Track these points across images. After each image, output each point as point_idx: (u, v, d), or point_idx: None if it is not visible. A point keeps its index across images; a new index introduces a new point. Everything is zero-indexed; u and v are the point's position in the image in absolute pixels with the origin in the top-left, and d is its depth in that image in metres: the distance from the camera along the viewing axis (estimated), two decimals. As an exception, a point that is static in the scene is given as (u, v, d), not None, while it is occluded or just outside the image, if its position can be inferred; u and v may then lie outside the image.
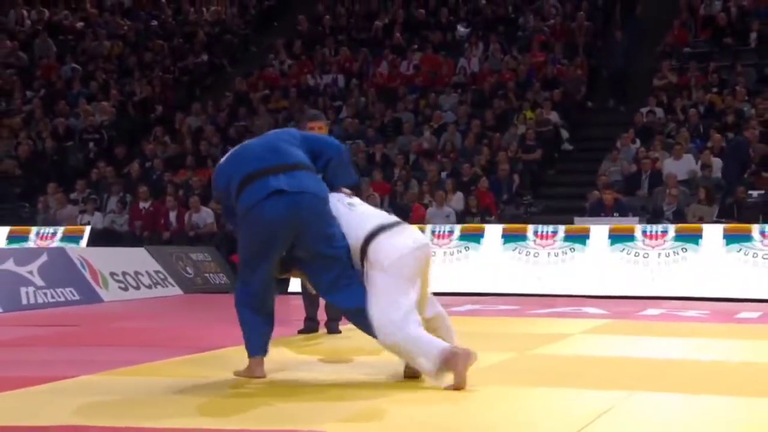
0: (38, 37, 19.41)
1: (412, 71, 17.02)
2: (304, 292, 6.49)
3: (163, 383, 4.57)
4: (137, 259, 11.36)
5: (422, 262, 4.40)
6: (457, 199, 13.16)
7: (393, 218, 4.57)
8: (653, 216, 11.97)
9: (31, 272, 9.31)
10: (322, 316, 6.80)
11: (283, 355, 5.53)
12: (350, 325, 4.83)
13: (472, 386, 4.25)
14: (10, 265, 9.19)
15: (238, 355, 4.82)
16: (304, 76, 17.48)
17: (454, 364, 4.17)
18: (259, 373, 4.56)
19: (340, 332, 6.70)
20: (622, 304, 9.24)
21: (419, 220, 12.87)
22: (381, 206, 13.25)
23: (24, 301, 8.88)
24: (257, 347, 4.59)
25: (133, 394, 4.32)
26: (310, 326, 6.84)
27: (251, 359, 4.59)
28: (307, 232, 4.41)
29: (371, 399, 4.17)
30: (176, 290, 11.37)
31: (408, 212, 13.04)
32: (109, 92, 17.52)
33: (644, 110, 14.58)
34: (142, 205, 13.95)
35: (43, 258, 9.70)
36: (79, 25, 20.13)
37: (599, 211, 11.84)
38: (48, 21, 20.15)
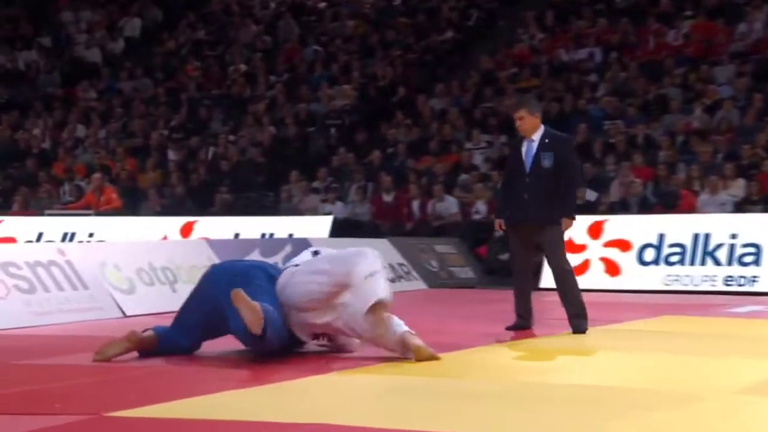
0: (282, 18, 20.64)
1: (680, 41, 16.40)
2: (515, 291, 7.06)
3: (409, 382, 4.80)
4: (380, 250, 11.75)
5: None
6: (737, 186, 12.55)
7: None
8: None
9: (276, 264, 9.94)
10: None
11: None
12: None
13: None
14: (256, 256, 9.87)
15: (477, 356, 4.97)
16: (556, 51, 17.35)
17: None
18: None
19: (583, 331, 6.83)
20: None
21: (688, 208, 12.43)
22: (644, 191, 12.93)
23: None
24: None
25: (372, 394, 4.58)
26: (519, 323, 7.07)
27: None
28: None
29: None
30: (420, 284, 11.74)
31: (675, 199, 12.63)
32: (350, 74, 18.30)
33: None
34: (385, 198, 14.51)
35: (288, 249, 10.35)
36: (322, 5, 21.14)
37: None
38: (291, 2, 21.35)
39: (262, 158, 16.47)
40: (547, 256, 7.41)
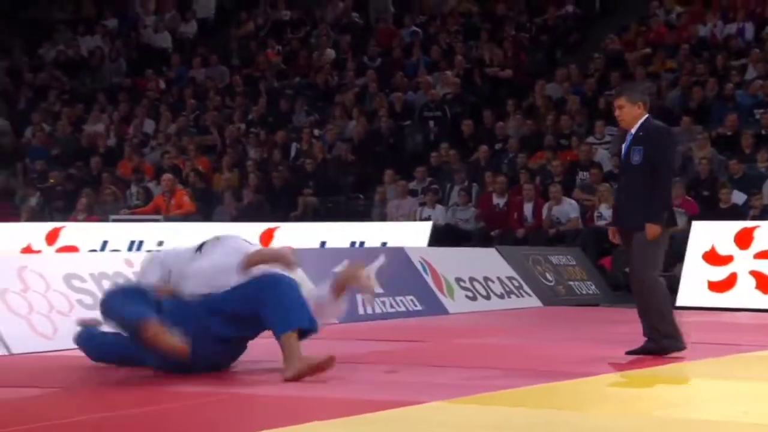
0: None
1: None
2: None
3: (524, 415, 4.83)
4: (487, 262, 11.85)
5: None
6: None
7: None
8: None
9: (368, 277, 10.05)
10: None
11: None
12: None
13: None
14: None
15: (601, 386, 4.93)
16: (697, 27, 17.07)
17: None
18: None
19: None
20: None
21: None
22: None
23: (361, 311, 9.67)
24: None
25: (485, 427, 4.61)
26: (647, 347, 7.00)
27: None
28: None
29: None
30: (534, 301, 11.70)
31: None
32: (453, 59, 18.32)
33: None
34: (495, 200, 14.50)
35: (381, 259, 10.42)
36: (420, -22, 21.21)
37: None
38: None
39: (351, 156, 16.62)
40: (629, 266, 7.42)
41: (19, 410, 5.12)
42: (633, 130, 7.09)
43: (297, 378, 5.81)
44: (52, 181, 17.46)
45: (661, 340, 6.95)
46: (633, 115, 7.05)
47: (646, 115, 7.11)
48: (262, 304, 5.96)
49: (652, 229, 6.92)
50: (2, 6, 22.91)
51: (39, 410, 5.10)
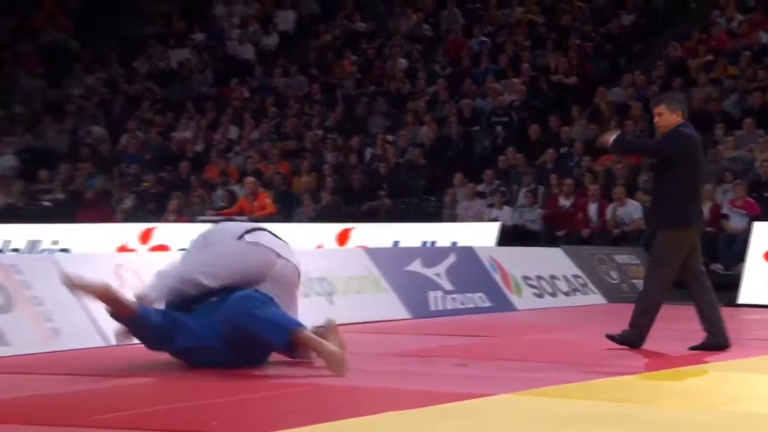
0: (445, 7, 20.76)
1: None
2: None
3: (594, 408, 4.77)
4: (553, 261, 11.76)
5: None
6: None
7: None
8: None
9: (438, 274, 10.06)
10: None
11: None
12: None
13: None
14: (417, 266, 10.01)
15: (666, 380, 4.86)
16: (757, 34, 16.72)
17: None
18: None
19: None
20: None
21: None
22: None
23: (432, 307, 9.65)
24: None
25: (557, 419, 4.56)
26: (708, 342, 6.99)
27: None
28: None
29: None
30: (598, 298, 11.58)
31: None
32: (519, 67, 18.21)
33: None
34: (562, 202, 14.37)
35: (451, 259, 10.43)
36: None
37: None
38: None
39: (422, 160, 16.61)
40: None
41: (120, 398, 5.21)
42: None
43: (345, 362, 5.68)
44: (145, 184, 17.72)
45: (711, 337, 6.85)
46: (671, 122, 7.07)
47: (681, 121, 7.10)
48: (250, 330, 5.83)
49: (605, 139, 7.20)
50: (100, 23, 23.37)
51: (139, 397, 5.19)
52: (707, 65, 16.57)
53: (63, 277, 6.01)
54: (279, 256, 6.25)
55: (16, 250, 13.88)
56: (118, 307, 5.81)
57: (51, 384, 5.50)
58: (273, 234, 6.48)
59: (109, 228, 15.11)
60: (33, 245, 14.09)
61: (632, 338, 7.01)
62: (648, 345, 7.50)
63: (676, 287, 12.59)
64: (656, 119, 7.17)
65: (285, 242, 6.47)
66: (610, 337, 7.05)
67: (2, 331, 6.61)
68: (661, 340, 7.85)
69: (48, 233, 14.38)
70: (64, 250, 13.11)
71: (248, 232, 6.34)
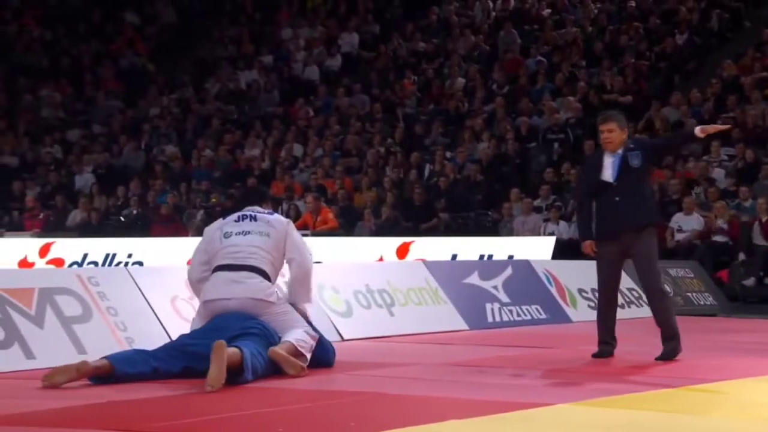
0: (503, 28, 20.71)
1: None
2: (599, 315, 7.23)
3: (649, 418, 4.70)
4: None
5: None
6: None
7: None
8: None
9: (495, 287, 10.02)
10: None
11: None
12: None
13: None
14: (474, 278, 9.98)
15: (718, 391, 4.76)
16: (812, 51, 16.44)
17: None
18: None
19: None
20: None
21: None
22: None
23: (490, 319, 9.59)
24: None
25: (610, 428, 4.50)
26: (604, 350, 7.12)
27: None
28: None
29: None
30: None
31: None
32: (575, 85, 18.09)
33: None
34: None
35: (508, 271, 10.37)
36: (545, 12, 21.02)
37: None
38: (512, 10, 21.38)
39: (480, 176, 16.57)
40: (639, 272, 7.32)
41: (194, 405, 5.24)
42: (620, 151, 7.10)
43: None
44: (213, 200, 17.90)
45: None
46: (621, 138, 7.14)
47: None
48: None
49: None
50: (175, 47, 23.75)
51: (202, 404, 5.22)
52: (761, 82, 16.31)
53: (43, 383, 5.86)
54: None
55: (93, 263, 14.09)
56: (97, 373, 5.84)
57: (121, 391, 5.56)
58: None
59: (181, 242, 15.28)
60: (109, 258, 14.30)
61: (674, 344, 7.00)
62: (702, 358, 7.38)
63: (730, 301, 12.42)
64: (606, 135, 7.15)
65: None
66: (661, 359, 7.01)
67: (80, 339, 6.71)
68: (715, 351, 7.72)
69: (123, 247, 14.58)
70: (138, 263, 13.28)
71: None
